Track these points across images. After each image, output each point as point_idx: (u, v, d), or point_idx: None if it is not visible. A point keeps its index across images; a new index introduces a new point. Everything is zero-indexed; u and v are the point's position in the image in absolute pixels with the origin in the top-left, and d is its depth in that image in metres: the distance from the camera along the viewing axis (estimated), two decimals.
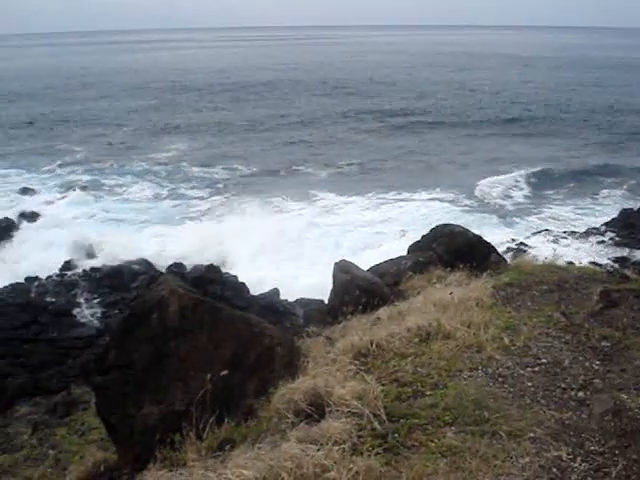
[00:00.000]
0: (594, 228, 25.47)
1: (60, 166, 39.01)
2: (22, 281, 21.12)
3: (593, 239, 24.24)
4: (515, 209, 29.78)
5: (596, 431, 4.56)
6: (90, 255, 23.16)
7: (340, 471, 3.92)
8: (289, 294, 19.55)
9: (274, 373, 5.77)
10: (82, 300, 20.18)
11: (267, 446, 4.37)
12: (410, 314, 7.12)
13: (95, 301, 20.10)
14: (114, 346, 5.85)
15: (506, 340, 6.18)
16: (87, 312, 19.37)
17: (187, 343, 5.69)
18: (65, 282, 21.45)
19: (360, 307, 7.96)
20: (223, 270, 21.33)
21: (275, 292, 19.80)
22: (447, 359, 5.84)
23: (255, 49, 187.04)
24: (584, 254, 22.14)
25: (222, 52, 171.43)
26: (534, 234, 25.07)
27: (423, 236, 11.40)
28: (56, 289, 20.90)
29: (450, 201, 30.30)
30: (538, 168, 35.35)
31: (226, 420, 5.26)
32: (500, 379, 5.42)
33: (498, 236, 22.76)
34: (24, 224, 26.67)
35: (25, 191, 32.71)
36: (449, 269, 9.59)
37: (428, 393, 5.19)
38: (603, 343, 6.14)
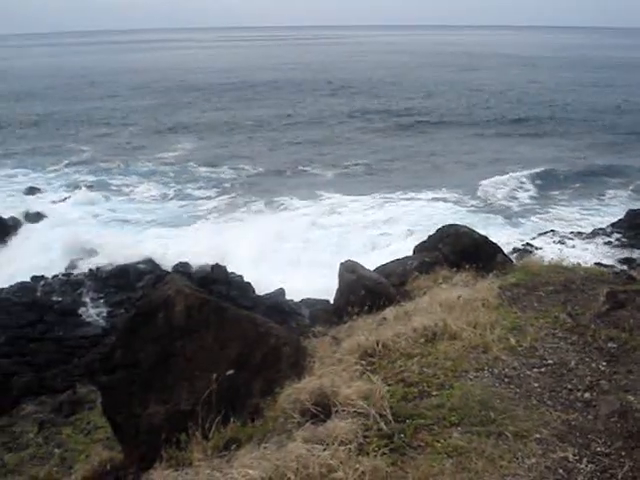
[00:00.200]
0: (600, 229, 25.37)
1: (66, 166, 39.15)
2: (28, 280, 21.16)
3: (599, 240, 24.15)
4: (521, 209, 29.70)
5: (602, 432, 4.55)
6: (90, 255, 23.14)
7: (346, 471, 3.92)
8: (294, 294, 19.55)
9: (280, 373, 5.77)
10: (88, 299, 20.19)
11: (273, 446, 4.38)
12: (416, 314, 7.11)
13: (101, 300, 20.11)
14: (120, 345, 5.86)
15: (512, 341, 6.17)
16: (93, 311, 19.39)
17: (193, 343, 5.70)
18: (71, 281, 21.48)
19: (366, 307, 7.94)
20: (228, 270, 21.34)
21: (280, 292, 19.80)
22: (453, 359, 5.83)
23: (257, 49, 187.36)
24: (590, 255, 22.06)
25: (225, 52, 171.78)
26: (540, 235, 24.99)
27: (429, 236, 11.39)
28: (62, 288, 20.94)
29: (456, 201, 30.26)
30: (544, 168, 35.25)
31: (232, 420, 5.26)
32: (506, 380, 5.41)
33: (504, 236, 22.71)
34: (30, 224, 26.71)
35: (31, 191, 32.82)
36: (455, 269, 9.57)
37: (434, 393, 5.19)
38: (609, 344, 6.12)
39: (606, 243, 23.83)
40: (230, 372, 5.44)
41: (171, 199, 32.73)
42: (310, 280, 20.09)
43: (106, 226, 27.76)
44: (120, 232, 26.61)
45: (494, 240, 11.45)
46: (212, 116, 58.09)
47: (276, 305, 18.79)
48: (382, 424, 4.56)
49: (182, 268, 21.56)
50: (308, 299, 18.73)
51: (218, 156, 41.75)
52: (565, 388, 5.26)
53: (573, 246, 23.47)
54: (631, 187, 32.38)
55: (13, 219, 26.49)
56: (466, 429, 4.55)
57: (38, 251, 23.27)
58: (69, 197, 31.94)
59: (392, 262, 10.92)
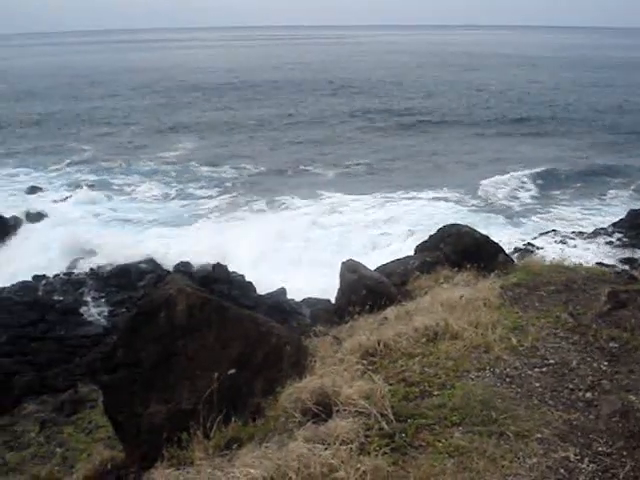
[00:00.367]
0: (602, 229, 25.35)
1: (68, 165, 39.18)
2: (29, 279, 21.18)
3: (601, 240, 24.13)
4: (522, 209, 29.69)
5: (604, 432, 4.55)
6: (91, 255, 23.14)
7: (348, 471, 3.92)
8: (295, 294, 19.56)
9: (281, 372, 5.77)
10: (89, 299, 20.21)
11: (274, 445, 4.38)
12: (417, 314, 7.11)
13: (102, 300, 20.12)
14: (121, 344, 5.86)
15: (514, 340, 6.17)
16: (94, 311, 19.40)
17: (194, 342, 5.70)
18: (72, 281, 21.50)
19: (367, 307, 7.94)
20: (229, 269, 21.35)
21: (282, 292, 19.80)
22: (455, 359, 5.83)
23: (258, 48, 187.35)
24: (592, 255, 22.04)
25: (226, 51, 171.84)
26: (541, 234, 24.97)
27: (430, 236, 11.37)
28: (63, 287, 20.95)
29: (457, 201, 30.25)
30: (545, 168, 35.25)
31: (233, 419, 5.26)
32: (508, 379, 5.42)
33: (505, 236, 22.65)
34: (31, 223, 26.74)
35: (32, 190, 32.83)
36: (456, 269, 9.56)
37: (435, 393, 5.19)
38: (611, 344, 6.12)
39: (607, 243, 23.81)
40: (231, 371, 5.45)
41: (172, 198, 32.74)
42: (311, 280, 20.09)
43: (107, 225, 27.78)
44: (121, 231, 26.64)
45: (495, 240, 11.43)
46: (213, 115, 58.12)
47: (277, 304, 18.80)
48: (383, 424, 4.57)
49: (183, 267, 21.59)
50: (309, 299, 18.72)
51: (219, 155, 41.77)
52: (567, 388, 5.26)
53: (574, 246, 23.45)
54: (632, 187, 32.36)
55: (14, 218, 26.52)
56: (467, 429, 4.55)
57: (39, 250, 23.28)
58: (70, 196, 31.95)
59: (393, 262, 10.92)
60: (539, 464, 4.13)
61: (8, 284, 20.55)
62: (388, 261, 11.15)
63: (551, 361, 5.76)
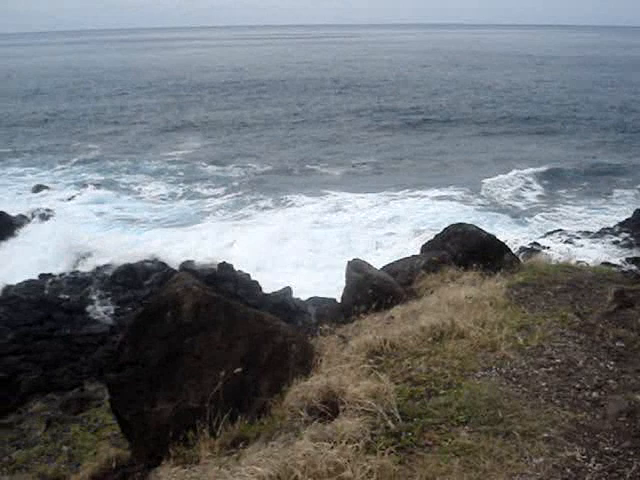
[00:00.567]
0: (608, 228, 25.32)
1: (74, 164, 39.32)
2: (36, 278, 21.24)
3: (607, 239, 24.10)
4: (528, 208, 29.66)
5: (610, 432, 4.53)
6: (97, 254, 23.18)
7: (354, 469, 3.91)
8: (301, 293, 19.57)
9: (288, 371, 5.77)
10: (95, 297, 20.25)
11: (280, 444, 4.38)
12: (424, 313, 7.10)
13: (108, 298, 20.17)
14: (128, 343, 5.87)
15: (520, 340, 6.15)
16: (100, 309, 19.44)
17: (201, 341, 5.70)
18: (78, 279, 21.57)
19: (373, 306, 7.93)
20: (235, 268, 21.37)
21: (287, 291, 19.81)
22: (461, 358, 5.82)
23: (265, 47, 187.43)
24: (598, 254, 21.99)
25: (232, 50, 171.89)
26: (547, 234, 24.95)
27: (436, 235, 11.35)
28: (69, 286, 21.02)
29: (463, 200, 30.23)
30: (551, 167, 35.26)
31: (239, 417, 5.27)
32: (514, 379, 5.40)
33: (511, 235, 22.71)
34: (37, 222, 26.81)
35: (39, 189, 32.92)
36: (462, 268, 9.54)
37: (442, 392, 5.18)
38: (617, 343, 6.10)
39: (614, 242, 23.77)
40: (238, 370, 5.45)
41: (179, 198, 32.79)
42: (317, 278, 20.13)
43: (113, 224, 27.85)
44: (127, 230, 26.70)
45: (501, 239, 11.42)
46: (220, 115, 58.17)
47: (283, 303, 18.81)
48: (390, 423, 4.56)
49: (189, 266, 21.62)
50: (315, 298, 18.75)
51: (226, 154, 41.84)
52: (573, 387, 5.25)
53: (581, 245, 23.43)
54: (639, 186, 32.30)
55: (21, 217, 26.60)
56: (474, 428, 4.54)
57: (45, 249, 23.34)
58: (77, 195, 32.05)
59: (399, 261, 10.90)
60: (545, 464, 4.11)
61: (14, 282, 20.61)
62: (394, 260, 11.14)
63: (557, 360, 5.74)
